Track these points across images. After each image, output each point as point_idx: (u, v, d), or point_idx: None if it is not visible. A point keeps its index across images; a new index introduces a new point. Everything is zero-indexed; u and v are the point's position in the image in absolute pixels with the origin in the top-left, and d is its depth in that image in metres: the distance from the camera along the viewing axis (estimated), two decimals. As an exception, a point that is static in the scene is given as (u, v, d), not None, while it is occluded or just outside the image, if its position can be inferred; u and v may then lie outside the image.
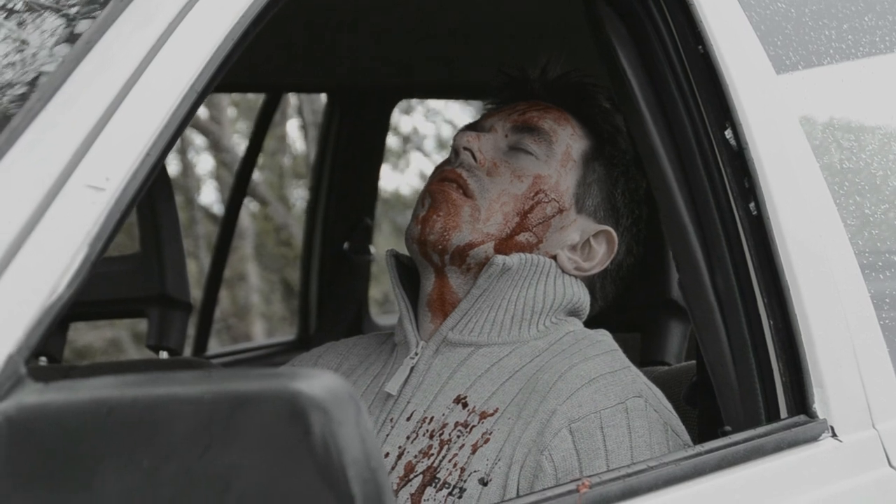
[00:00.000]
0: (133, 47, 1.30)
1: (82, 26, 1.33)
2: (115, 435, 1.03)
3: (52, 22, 1.37)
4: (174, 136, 1.29)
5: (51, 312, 1.14)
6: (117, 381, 1.04)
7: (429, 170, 1.92)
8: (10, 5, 1.39)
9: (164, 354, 2.44)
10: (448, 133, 10.41)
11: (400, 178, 11.22)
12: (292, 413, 1.02)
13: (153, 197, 2.37)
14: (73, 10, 1.38)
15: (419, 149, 10.87)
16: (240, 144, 8.82)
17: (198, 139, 9.38)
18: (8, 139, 1.20)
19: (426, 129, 11.07)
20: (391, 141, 10.72)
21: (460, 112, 9.70)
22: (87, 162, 1.22)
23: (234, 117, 9.60)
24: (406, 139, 10.79)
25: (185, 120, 1.30)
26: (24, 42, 1.34)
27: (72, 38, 1.32)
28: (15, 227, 1.16)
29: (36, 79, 1.28)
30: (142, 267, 2.38)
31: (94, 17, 1.33)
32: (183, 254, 2.41)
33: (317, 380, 1.04)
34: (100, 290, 2.38)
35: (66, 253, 1.17)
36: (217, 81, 1.36)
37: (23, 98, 1.26)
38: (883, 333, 1.74)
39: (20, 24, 1.37)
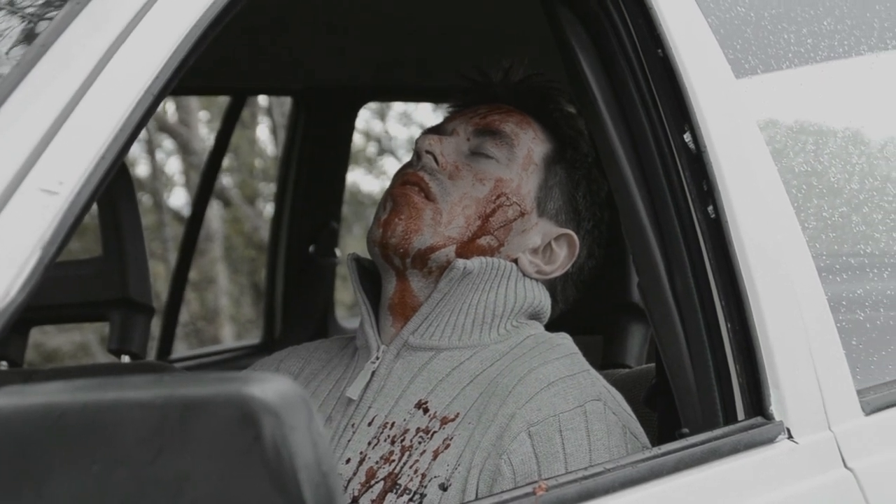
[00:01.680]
0: (88, 50, 1.29)
1: (38, 27, 1.33)
2: (66, 440, 1.02)
3: (6, 24, 1.37)
4: (129, 139, 1.28)
5: (3, 316, 1.14)
6: (68, 385, 1.04)
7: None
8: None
9: (126, 358, 2.43)
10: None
11: (374, 182, 11.23)
12: (244, 417, 1.02)
13: (115, 200, 2.36)
14: (29, 10, 1.38)
15: (392, 153, 10.87)
16: (209, 144, 8.80)
17: (167, 142, 9.36)
18: (-40, 143, 1.20)
19: (399, 132, 11.08)
20: (366, 145, 10.72)
21: (433, 115, 9.71)
22: (41, 165, 1.21)
23: (206, 120, 9.58)
24: (379, 142, 10.80)
25: (140, 123, 1.30)
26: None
27: (29, 38, 1.32)
28: (-33, 231, 1.16)
29: (-10, 82, 1.28)
30: (103, 270, 2.37)
31: (49, 19, 1.33)
32: (145, 257, 2.40)
33: (269, 384, 1.04)
34: (61, 294, 2.37)
35: (19, 257, 1.17)
36: (174, 84, 1.35)
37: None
38: (839, 336, 1.75)
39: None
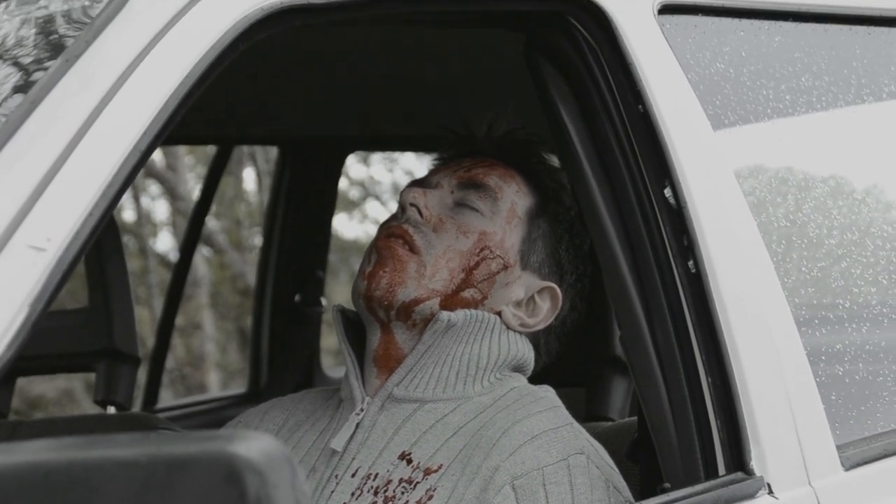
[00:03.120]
0: (77, 108, 1.31)
1: (28, 84, 1.35)
2: (52, 498, 1.03)
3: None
4: (117, 195, 1.30)
5: (-10, 373, 1.15)
6: (54, 443, 1.05)
7: (386, 217, 1.94)
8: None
9: (112, 409, 2.43)
10: (405, 181, 10.44)
11: (358, 227, 11.24)
12: (228, 476, 1.03)
13: (102, 251, 2.37)
14: (20, 64, 1.40)
15: (376, 197, 10.89)
16: (196, 192, 8.81)
17: (153, 186, 9.37)
18: (-51, 201, 1.22)
19: (383, 177, 11.10)
20: (350, 190, 10.74)
21: (417, 161, 9.74)
22: (29, 222, 1.24)
23: (192, 164, 9.60)
24: (363, 186, 10.81)
25: (128, 179, 1.32)
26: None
27: (18, 94, 1.34)
28: (-45, 289, 1.17)
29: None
30: (90, 321, 2.38)
31: (43, 68, 1.35)
32: (132, 308, 2.41)
33: (253, 442, 1.05)
34: (48, 345, 2.38)
35: (6, 314, 1.18)
36: (162, 140, 1.37)
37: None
38: (819, 390, 1.77)
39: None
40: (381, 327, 1.85)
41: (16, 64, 1.40)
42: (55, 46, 1.39)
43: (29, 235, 1.22)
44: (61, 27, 1.42)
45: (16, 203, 1.24)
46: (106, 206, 1.28)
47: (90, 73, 1.33)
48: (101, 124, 1.32)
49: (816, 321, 1.85)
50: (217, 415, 3.47)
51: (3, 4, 1.53)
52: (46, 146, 1.28)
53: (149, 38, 1.38)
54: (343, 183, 10.75)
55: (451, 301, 1.84)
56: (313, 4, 1.52)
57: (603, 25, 1.77)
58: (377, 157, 10.14)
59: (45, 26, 1.43)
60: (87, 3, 1.42)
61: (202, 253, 8.58)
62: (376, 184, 10.84)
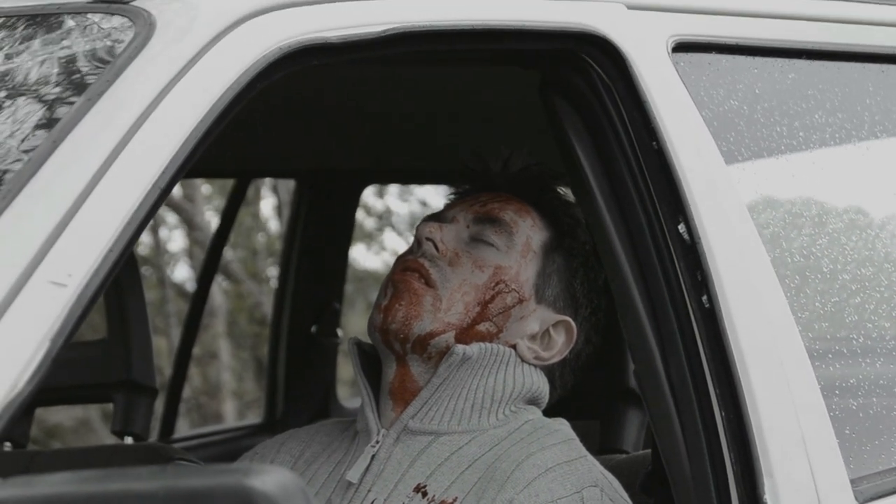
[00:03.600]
0: (98, 146, 1.33)
1: (51, 122, 1.37)
2: (71, 531, 1.05)
3: (22, 115, 1.41)
4: (137, 231, 1.32)
5: (11, 408, 1.17)
6: (74, 476, 1.07)
7: (402, 248, 1.96)
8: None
9: (129, 440, 2.45)
10: (421, 212, 10.46)
11: (375, 258, 11.26)
12: (244, 509, 1.04)
13: (120, 283, 2.39)
14: (44, 100, 1.42)
15: (393, 227, 10.91)
16: (213, 222, 8.84)
17: (171, 217, 9.40)
18: (-28, 237, 1.24)
19: (400, 207, 11.12)
20: (366, 221, 10.77)
21: (433, 192, 9.76)
22: (51, 258, 1.25)
23: (209, 195, 9.63)
24: (380, 217, 10.84)
25: (147, 215, 1.34)
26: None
27: (41, 132, 1.36)
28: (-22, 324, 1.19)
29: (2, 176, 1.32)
30: (108, 352, 2.40)
31: (66, 107, 1.37)
32: (149, 339, 2.43)
33: (269, 475, 1.07)
34: (66, 376, 2.39)
35: (27, 349, 1.20)
36: (181, 177, 1.39)
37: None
38: (833, 424, 1.77)
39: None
40: (397, 360, 1.87)
41: (39, 102, 1.42)
42: (77, 85, 1.41)
43: (50, 271, 1.24)
44: (84, 66, 1.44)
45: (38, 239, 1.26)
46: (126, 242, 1.30)
47: (111, 112, 1.36)
48: (121, 162, 1.34)
49: (830, 355, 1.85)
50: (233, 445, 3.48)
51: (25, 41, 1.55)
52: (68, 183, 1.30)
53: (168, 78, 1.40)
54: (360, 213, 10.78)
55: (466, 334, 1.85)
56: (330, 44, 1.54)
57: (617, 63, 1.78)
58: (393, 188, 10.17)
59: (68, 65, 1.45)
60: (108, 43, 1.44)
61: (219, 283, 8.60)
62: (393, 214, 10.86)
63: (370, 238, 10.83)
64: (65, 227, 1.27)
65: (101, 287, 1.27)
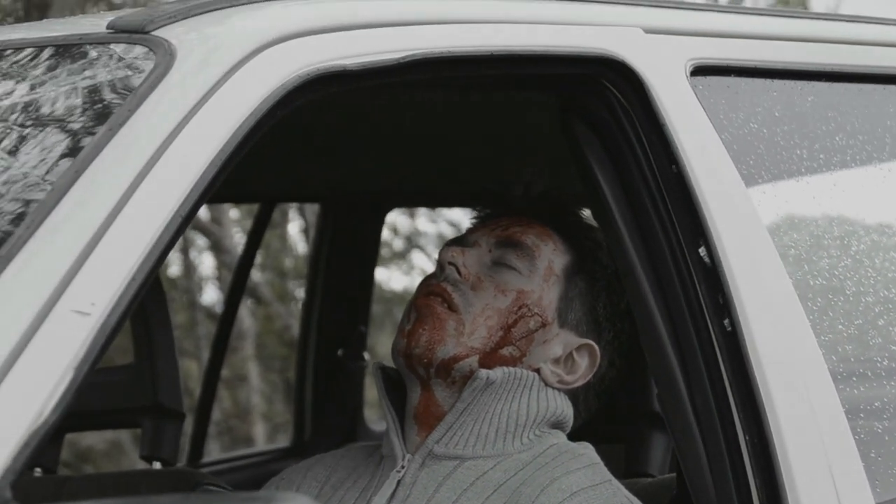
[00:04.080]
0: (120, 175, 1.35)
1: (74, 151, 1.39)
2: (95, 558, 1.06)
3: (42, 147, 1.42)
4: (159, 259, 1.33)
5: (37, 436, 1.18)
6: (99, 504, 1.08)
7: (430, 268, 1.99)
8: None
9: (157, 464, 2.46)
10: (449, 233, 10.47)
11: (402, 279, 11.27)
12: (267, 536, 1.05)
13: (147, 308, 2.41)
14: (68, 130, 1.44)
15: (421, 248, 10.92)
16: (241, 245, 8.87)
17: (199, 240, 9.44)
18: (-4, 267, 1.25)
19: (427, 228, 11.13)
20: (394, 241, 10.78)
21: (462, 212, 9.76)
22: (74, 288, 1.27)
23: (237, 218, 9.67)
24: (408, 239, 10.85)
25: (169, 244, 1.35)
26: (10, 169, 1.39)
27: (69, 154, 1.38)
28: (2, 353, 1.20)
29: (26, 206, 1.33)
30: (135, 377, 2.41)
31: (88, 137, 1.39)
32: (177, 364, 2.45)
33: (292, 503, 1.08)
34: (94, 401, 2.41)
35: (52, 377, 1.21)
36: (202, 205, 1.41)
37: (12, 226, 1.30)
38: (858, 447, 1.77)
39: (10, 152, 1.43)
40: (421, 385, 1.88)
41: (62, 132, 1.44)
42: (99, 115, 1.43)
43: (74, 300, 1.25)
44: (105, 96, 1.46)
45: (61, 268, 1.27)
46: (148, 270, 1.31)
47: (133, 142, 1.37)
48: (143, 191, 1.35)
49: (854, 378, 1.85)
50: (261, 469, 3.48)
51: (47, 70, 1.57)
52: (91, 213, 1.31)
53: (189, 107, 1.41)
54: (387, 234, 10.80)
55: (489, 359, 1.86)
56: (349, 71, 1.55)
57: (636, 87, 1.79)
58: (421, 209, 10.18)
59: (90, 95, 1.47)
60: (129, 73, 1.46)
61: (247, 305, 8.63)
62: (420, 235, 10.87)
63: (398, 258, 10.84)
64: (88, 256, 1.29)
65: (124, 315, 1.28)
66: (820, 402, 1.76)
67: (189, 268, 9.30)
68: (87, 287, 1.27)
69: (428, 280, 1.92)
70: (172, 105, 1.41)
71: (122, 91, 1.44)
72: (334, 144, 2.83)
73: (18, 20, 4.11)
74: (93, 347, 1.25)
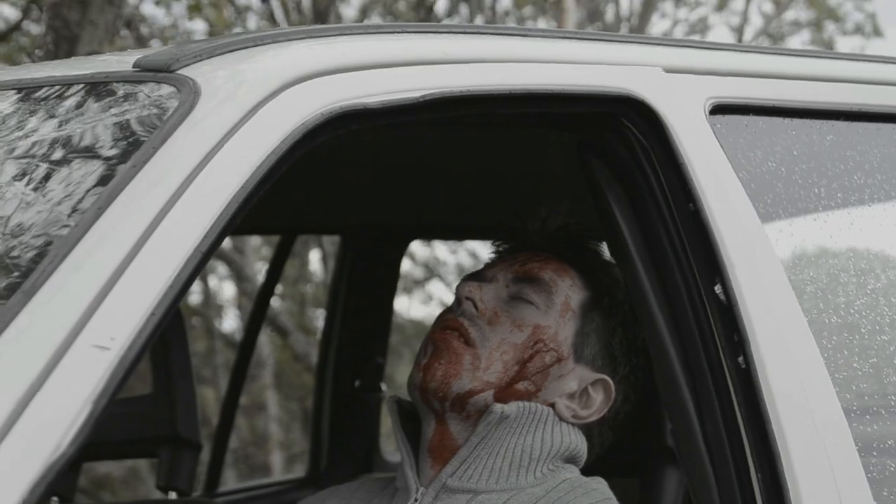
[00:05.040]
0: (142, 211, 1.37)
1: (96, 189, 1.41)
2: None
3: (66, 183, 1.45)
4: (179, 295, 1.35)
5: (54, 468, 1.20)
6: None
7: (449, 298, 2.00)
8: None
9: (173, 495, 2.47)
10: (469, 263, 10.49)
11: (423, 309, 11.28)
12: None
13: (166, 339, 2.43)
14: (91, 167, 1.46)
15: (440, 278, 10.94)
16: (262, 273, 8.90)
17: (220, 268, 9.48)
18: (19, 301, 1.27)
19: (448, 258, 11.16)
20: (414, 271, 10.80)
21: (481, 243, 9.78)
22: (95, 322, 1.28)
23: (258, 246, 9.71)
24: (427, 267, 10.87)
25: (189, 279, 1.37)
26: (36, 204, 1.42)
27: (95, 189, 1.39)
28: (23, 386, 1.22)
29: (49, 241, 1.35)
30: (153, 408, 2.43)
31: (112, 173, 1.40)
32: (194, 395, 2.46)
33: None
34: (112, 431, 2.43)
35: (70, 411, 1.23)
36: (222, 241, 1.43)
37: (35, 260, 1.32)
38: (870, 486, 1.77)
39: (36, 187, 1.45)
40: (436, 418, 1.89)
41: (86, 168, 1.46)
42: (123, 152, 1.45)
43: (94, 335, 1.27)
44: (130, 134, 1.48)
45: (83, 304, 1.29)
46: (168, 305, 1.33)
47: (156, 179, 1.39)
48: (164, 227, 1.37)
49: (868, 416, 1.85)
50: (277, 499, 3.49)
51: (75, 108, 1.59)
52: (113, 249, 1.33)
53: (212, 145, 1.43)
54: (407, 264, 10.82)
55: (504, 393, 1.87)
56: (370, 109, 1.57)
57: (655, 126, 1.80)
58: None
59: (114, 133, 1.49)
60: (154, 111, 1.48)
61: (267, 334, 8.66)
62: (441, 265, 10.90)
63: (418, 287, 10.86)
64: (109, 291, 1.31)
65: (143, 350, 1.30)
66: (833, 441, 1.76)
67: (209, 295, 9.34)
68: (107, 322, 1.29)
69: (445, 314, 1.94)
70: (196, 143, 1.43)
71: (147, 129, 1.46)
72: (355, 177, 2.85)
73: (48, 53, 4.16)
74: (111, 381, 1.26)
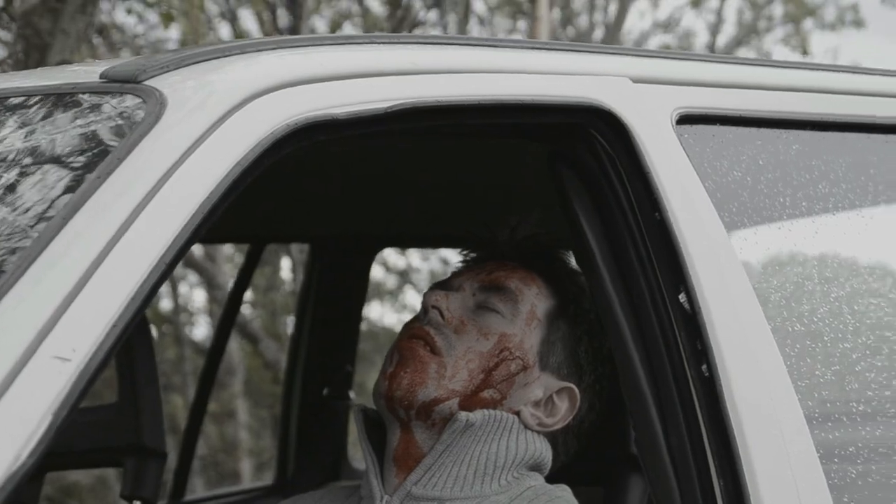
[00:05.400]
0: (105, 223, 1.36)
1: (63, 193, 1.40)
2: None
3: (31, 194, 1.44)
4: (141, 306, 1.34)
5: (14, 479, 1.19)
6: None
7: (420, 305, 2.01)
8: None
9: (137, 504, 2.46)
10: (442, 270, 10.49)
11: (395, 316, 11.28)
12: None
13: (132, 348, 2.42)
14: (54, 178, 1.45)
15: (413, 284, 10.94)
16: (233, 281, 8.88)
17: (191, 275, 9.45)
18: (-20, 313, 1.27)
19: (420, 265, 11.16)
20: (387, 279, 10.79)
21: (453, 251, 9.78)
22: (56, 333, 1.28)
23: (230, 255, 9.68)
24: (402, 275, 10.87)
25: (152, 290, 1.36)
26: None
27: (60, 200, 1.39)
28: (-17, 397, 1.22)
29: (11, 253, 1.35)
30: (118, 417, 2.41)
31: (79, 181, 1.40)
32: (160, 404, 2.45)
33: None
34: (77, 440, 2.41)
35: (31, 422, 1.22)
36: (186, 252, 1.42)
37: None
38: (831, 493, 1.78)
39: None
40: (401, 426, 1.89)
41: (51, 179, 1.45)
42: (88, 163, 1.44)
43: (55, 346, 1.26)
44: (95, 145, 1.48)
45: (44, 314, 1.28)
46: (130, 316, 1.32)
47: (121, 189, 1.38)
48: (128, 237, 1.36)
49: (830, 424, 1.86)
50: (244, 508, 3.48)
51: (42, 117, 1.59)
52: (76, 259, 1.32)
53: (177, 156, 1.43)
54: (379, 271, 10.81)
55: (470, 401, 1.87)
56: (337, 120, 1.57)
57: (622, 136, 1.81)
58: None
59: (80, 144, 1.48)
60: (120, 122, 1.48)
61: (237, 341, 8.64)
62: (414, 272, 10.90)
63: (390, 295, 10.86)
64: (71, 302, 1.30)
65: (105, 361, 1.29)
66: (794, 447, 1.77)
67: (178, 303, 9.31)
68: (69, 333, 1.28)
69: (411, 323, 1.94)
70: (161, 154, 1.43)
71: (113, 140, 1.46)
72: (323, 187, 2.84)
73: (18, 62, 4.14)
74: (72, 392, 1.26)
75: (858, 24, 12.20)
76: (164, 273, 1.36)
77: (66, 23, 4.15)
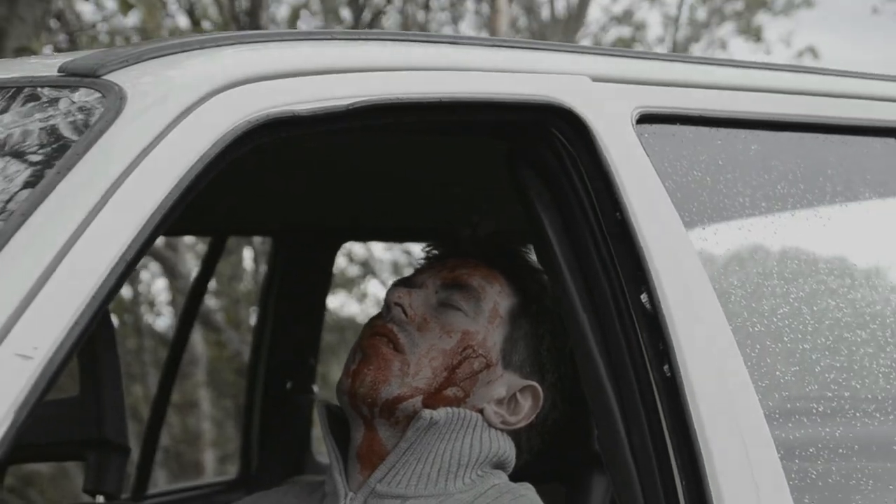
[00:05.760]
0: (65, 220, 1.36)
1: (21, 190, 1.39)
2: None
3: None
4: (103, 304, 1.34)
5: (-26, 477, 1.19)
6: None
7: (383, 295, 2.00)
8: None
9: (100, 499, 2.45)
10: (404, 260, 10.48)
11: (358, 307, 11.26)
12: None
13: (94, 342, 2.40)
14: (12, 175, 1.45)
15: (375, 275, 10.92)
16: (195, 271, 8.85)
17: (153, 265, 9.41)
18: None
19: (383, 255, 11.14)
20: (349, 268, 10.78)
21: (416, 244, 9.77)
22: (17, 331, 1.27)
23: (192, 244, 9.64)
24: (364, 265, 10.85)
25: (114, 289, 1.36)
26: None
27: (18, 196, 1.38)
28: (-57, 396, 1.21)
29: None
30: (80, 411, 2.40)
31: (38, 177, 1.39)
32: (122, 398, 2.44)
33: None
34: (38, 434, 2.40)
35: (-8, 419, 1.22)
36: (148, 249, 1.42)
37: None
38: (791, 493, 1.79)
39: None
40: (365, 424, 1.89)
41: (8, 175, 1.44)
42: (47, 158, 1.43)
43: (16, 344, 1.26)
44: (53, 140, 1.47)
45: (5, 312, 1.28)
46: (92, 314, 1.32)
47: (80, 186, 1.38)
48: (90, 234, 1.36)
49: (790, 424, 1.88)
50: (207, 501, 3.47)
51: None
52: (36, 257, 1.32)
53: (137, 152, 1.43)
54: (343, 261, 10.79)
55: (433, 399, 1.87)
56: (298, 116, 1.57)
57: (582, 134, 1.82)
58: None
59: (38, 139, 1.48)
60: (79, 117, 1.47)
61: (200, 331, 8.61)
62: (376, 262, 10.88)
63: (353, 285, 10.84)
64: (32, 299, 1.30)
65: (66, 359, 1.29)
66: (755, 447, 1.78)
67: (138, 293, 9.27)
68: (30, 331, 1.28)
69: (374, 320, 1.94)
70: (121, 149, 1.42)
71: (72, 135, 1.45)
72: (285, 181, 2.84)
73: (-26, 52, 4.10)
74: (34, 390, 1.26)
75: (809, 4, 12.31)
76: (126, 270, 1.36)
77: (22, 9, 4.11)
